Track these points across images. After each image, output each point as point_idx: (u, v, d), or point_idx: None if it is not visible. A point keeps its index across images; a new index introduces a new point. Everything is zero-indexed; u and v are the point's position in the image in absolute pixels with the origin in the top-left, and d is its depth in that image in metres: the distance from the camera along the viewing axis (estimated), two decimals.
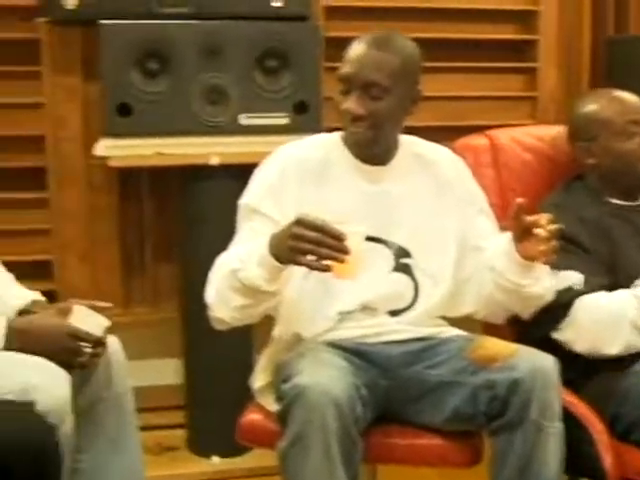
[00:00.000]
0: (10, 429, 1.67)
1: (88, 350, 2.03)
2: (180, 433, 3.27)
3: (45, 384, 1.87)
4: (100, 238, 3.29)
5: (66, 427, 1.86)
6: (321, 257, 1.91)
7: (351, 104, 2.15)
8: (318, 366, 1.99)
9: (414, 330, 2.23)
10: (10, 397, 1.82)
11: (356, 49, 2.17)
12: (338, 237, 1.90)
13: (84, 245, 3.26)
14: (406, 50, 2.19)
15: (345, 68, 2.17)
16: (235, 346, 3.05)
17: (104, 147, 2.90)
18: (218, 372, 3.12)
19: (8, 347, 1.96)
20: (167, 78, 2.92)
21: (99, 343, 2.06)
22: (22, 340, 1.97)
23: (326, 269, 1.92)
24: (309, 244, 1.90)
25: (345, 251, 1.90)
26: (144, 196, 3.31)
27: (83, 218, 3.25)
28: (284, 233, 1.95)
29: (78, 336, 2.02)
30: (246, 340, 3.08)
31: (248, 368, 3.03)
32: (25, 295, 2.19)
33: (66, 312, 2.07)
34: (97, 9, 2.94)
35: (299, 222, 1.92)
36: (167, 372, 3.42)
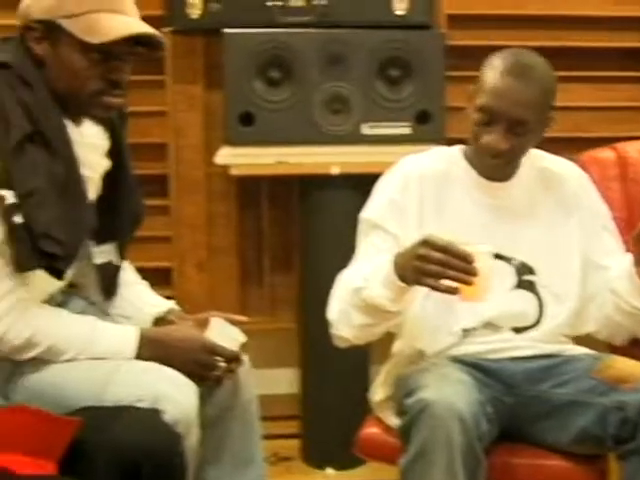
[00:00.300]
0: (139, 435, 1.68)
1: (222, 365, 2.02)
2: (295, 443, 3.26)
3: (174, 395, 1.86)
4: (218, 246, 3.31)
5: (192, 438, 1.86)
6: (448, 279, 1.86)
7: (494, 140, 2.09)
8: (442, 381, 1.95)
9: (539, 347, 2.17)
10: (140, 405, 1.83)
11: (496, 79, 2.09)
12: (466, 258, 1.85)
13: (202, 253, 3.28)
14: (545, 78, 2.13)
15: (487, 99, 2.09)
16: (352, 357, 3.02)
17: (225, 156, 2.92)
18: (334, 383, 3.09)
19: (141, 356, 1.97)
20: (289, 87, 2.92)
21: (234, 358, 2.04)
22: (157, 350, 1.97)
23: (453, 292, 1.87)
24: (436, 265, 1.86)
25: (473, 273, 1.85)
26: (263, 205, 3.32)
27: (202, 226, 3.27)
28: (410, 253, 1.91)
29: (214, 351, 2.01)
30: (363, 352, 3.04)
31: (364, 380, 3.04)
32: (161, 303, 2.20)
33: (204, 324, 2.07)
34: (221, 18, 2.96)
35: (425, 242, 1.88)
36: (283, 382, 3.41)
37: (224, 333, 2.05)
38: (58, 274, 1.90)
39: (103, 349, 1.96)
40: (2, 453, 1.57)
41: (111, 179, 2.10)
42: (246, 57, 2.89)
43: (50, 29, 1.88)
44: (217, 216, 3.29)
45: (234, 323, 2.10)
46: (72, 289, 2.18)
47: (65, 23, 1.87)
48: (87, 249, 2.08)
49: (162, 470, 1.67)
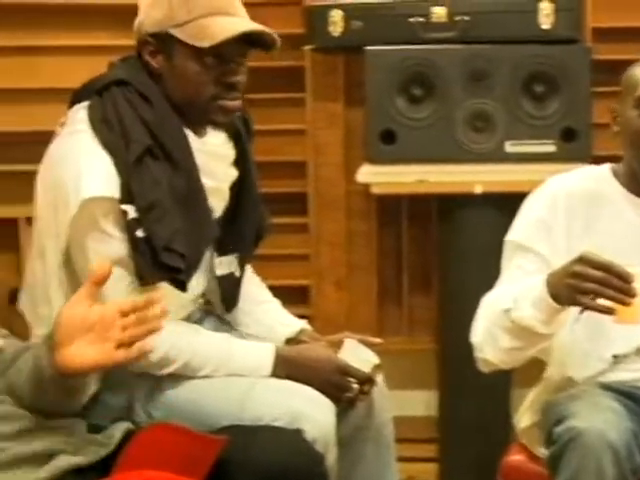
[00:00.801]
0: (282, 455, 1.66)
1: (355, 387, 1.99)
2: (432, 467, 3.19)
3: (312, 413, 1.86)
4: (357, 265, 3.28)
5: (330, 457, 1.84)
6: (605, 298, 1.79)
7: None
8: (593, 409, 1.87)
9: None
10: (278, 423, 1.82)
11: None
12: (625, 278, 1.78)
13: (341, 272, 3.26)
14: None
15: None
16: (492, 380, 2.91)
17: (366, 174, 2.89)
18: (473, 406, 3.02)
19: (275, 374, 1.96)
20: (431, 104, 2.87)
21: (367, 380, 2.01)
22: (289, 369, 1.96)
23: (609, 312, 1.80)
24: (592, 283, 1.79)
25: (632, 294, 1.77)
26: (402, 223, 3.28)
27: (341, 244, 3.25)
28: (564, 271, 1.84)
29: (347, 372, 1.99)
30: (504, 374, 2.95)
31: (505, 403, 2.95)
32: (293, 323, 2.18)
33: (337, 345, 2.04)
34: (362, 35, 2.94)
35: (583, 259, 1.81)
36: (420, 403, 3.36)
37: (357, 355, 2.03)
38: (181, 286, 1.90)
39: (239, 366, 1.96)
40: (149, 470, 1.57)
41: (236, 190, 2.09)
42: (388, 74, 2.86)
43: (163, 41, 1.91)
44: (356, 234, 3.27)
45: (368, 345, 2.07)
46: (208, 306, 2.18)
47: (176, 32, 1.88)
48: (212, 260, 2.08)
49: None
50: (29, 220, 2.71)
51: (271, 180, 3.12)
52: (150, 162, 1.87)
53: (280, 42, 1.96)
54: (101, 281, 1.61)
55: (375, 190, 2.94)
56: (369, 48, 2.89)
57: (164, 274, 1.87)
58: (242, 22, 1.92)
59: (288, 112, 3.16)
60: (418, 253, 3.29)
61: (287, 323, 2.18)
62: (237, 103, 1.95)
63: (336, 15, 2.94)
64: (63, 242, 1.89)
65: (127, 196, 1.84)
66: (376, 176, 2.90)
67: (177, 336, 1.93)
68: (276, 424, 1.83)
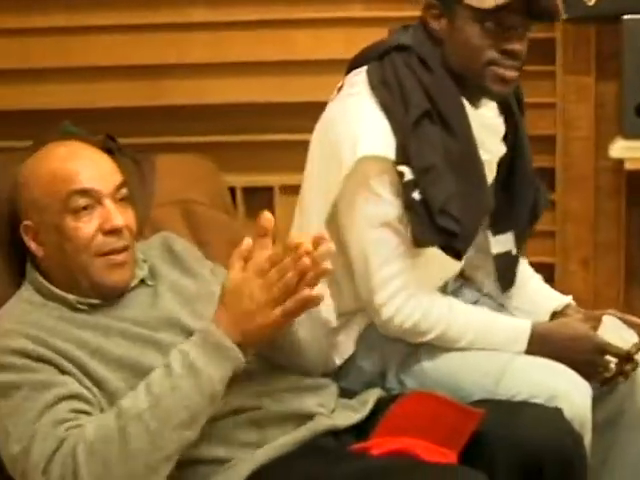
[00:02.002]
0: (544, 433, 1.63)
1: (613, 367, 1.93)
2: None
3: (570, 393, 1.81)
4: (604, 244, 3.17)
5: (586, 440, 1.78)
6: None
7: None
8: None
9: None
10: (537, 401, 1.78)
11: None
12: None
13: (588, 250, 3.16)
14: None
15: None
16: None
17: (620, 149, 2.79)
18: None
19: (530, 351, 1.92)
20: None
21: (628, 360, 1.94)
22: (545, 346, 1.92)
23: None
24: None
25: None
26: None
27: (588, 222, 3.15)
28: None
29: (606, 350, 1.93)
30: None
31: None
32: (559, 297, 2.14)
33: (597, 320, 1.98)
34: (619, 4, 2.82)
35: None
36: None
37: (618, 333, 1.96)
38: (457, 255, 1.89)
39: (496, 340, 1.93)
40: (410, 437, 1.57)
41: (507, 166, 2.06)
42: None
43: (447, 4, 1.91)
44: (604, 212, 3.15)
45: (630, 325, 2.00)
46: (463, 280, 2.17)
47: None
48: (485, 239, 2.06)
49: (565, 471, 1.61)
50: (284, 189, 2.81)
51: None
52: (427, 126, 1.87)
53: (563, 11, 1.92)
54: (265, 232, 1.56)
55: (629, 166, 2.82)
56: (626, 17, 2.77)
57: (439, 238, 1.86)
58: None
59: (538, 85, 3.07)
60: None
61: (554, 297, 2.14)
62: (513, 74, 1.92)
63: None
64: (331, 200, 1.91)
65: (403, 158, 1.84)
66: (630, 151, 2.79)
67: (430, 304, 1.92)
68: (535, 401, 1.79)
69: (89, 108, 2.78)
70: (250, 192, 2.79)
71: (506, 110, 2.06)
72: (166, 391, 1.53)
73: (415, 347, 1.95)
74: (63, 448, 1.53)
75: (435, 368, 1.93)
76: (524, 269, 2.18)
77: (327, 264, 1.53)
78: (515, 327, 1.95)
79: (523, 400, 1.80)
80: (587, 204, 3.13)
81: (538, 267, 2.98)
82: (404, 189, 1.85)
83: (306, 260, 1.50)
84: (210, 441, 1.61)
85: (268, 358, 1.76)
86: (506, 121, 2.06)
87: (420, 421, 1.60)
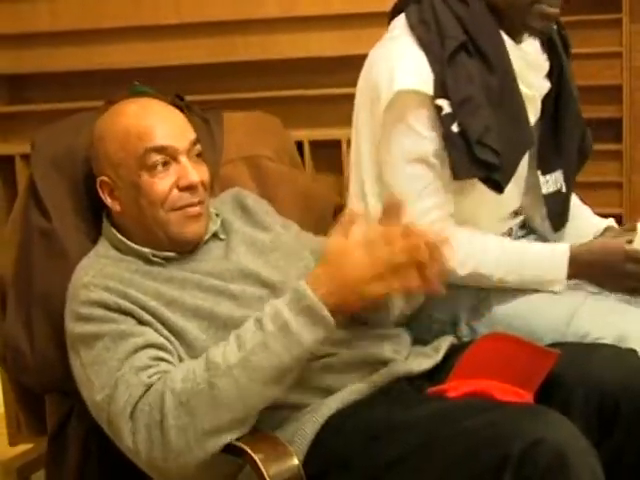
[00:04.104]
0: (621, 373, 1.61)
1: None
2: None
3: (639, 333, 1.80)
4: None
5: None
6: None
7: None
8: None
9: None
10: (607, 341, 1.78)
11: None
12: None
13: None
14: None
15: None
16: None
17: None
18: None
19: (570, 276, 1.92)
20: None
21: None
22: (581, 269, 1.91)
23: None
24: None
25: None
26: None
27: None
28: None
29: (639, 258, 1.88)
30: None
31: None
32: (600, 222, 2.15)
33: (630, 232, 1.95)
34: None
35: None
36: None
37: None
38: (497, 187, 1.89)
39: (533, 272, 1.93)
40: (485, 379, 1.58)
41: (553, 104, 2.04)
42: None
43: None
44: None
45: None
46: (529, 229, 2.16)
47: None
48: (535, 178, 2.05)
49: None
50: (312, 143, 2.82)
51: (586, 105, 3.03)
52: (465, 58, 1.87)
53: None
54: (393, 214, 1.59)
55: None
56: None
57: (478, 170, 1.86)
58: None
59: (604, 34, 3.06)
60: None
61: (594, 223, 2.14)
62: (555, 10, 1.91)
63: None
64: (377, 138, 1.93)
65: (441, 92, 1.85)
66: None
67: (468, 241, 1.93)
68: (603, 341, 1.79)
69: (157, 67, 2.81)
70: (317, 146, 2.81)
71: (550, 48, 2.04)
72: (257, 348, 1.54)
73: (486, 293, 1.96)
74: (149, 394, 1.56)
75: (506, 313, 1.93)
76: (574, 201, 2.18)
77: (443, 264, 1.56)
78: (554, 252, 1.94)
79: (594, 340, 1.81)
80: None
81: (606, 218, 2.98)
82: (442, 122, 1.85)
83: (423, 253, 1.52)
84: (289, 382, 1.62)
85: None
86: (550, 59, 2.04)
87: (495, 363, 1.61)
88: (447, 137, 1.85)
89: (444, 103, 1.85)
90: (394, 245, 1.53)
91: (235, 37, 2.86)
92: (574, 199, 2.21)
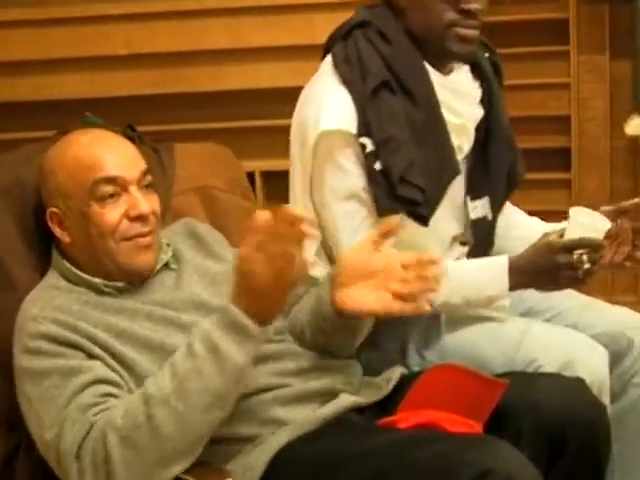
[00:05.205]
0: (566, 402, 1.64)
1: (585, 258, 1.84)
2: None
3: (586, 358, 1.83)
4: None
5: (605, 403, 1.79)
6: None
7: None
8: None
9: None
10: (551, 367, 1.80)
11: None
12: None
13: None
14: None
15: None
16: None
17: (636, 125, 2.80)
18: None
19: (512, 287, 1.92)
20: None
21: (599, 248, 1.87)
22: (519, 276, 1.91)
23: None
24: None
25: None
26: None
27: (604, 201, 3.14)
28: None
29: (571, 247, 1.86)
30: None
31: None
32: (550, 227, 2.11)
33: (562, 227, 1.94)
34: None
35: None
36: None
37: (584, 223, 1.87)
38: (422, 220, 1.91)
39: (476, 291, 1.94)
40: (434, 410, 1.59)
41: (483, 131, 2.07)
42: None
43: None
44: (620, 191, 3.17)
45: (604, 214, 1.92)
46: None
47: None
48: (465, 204, 2.07)
49: (589, 440, 1.62)
50: (263, 174, 2.84)
51: (535, 135, 3.08)
52: (387, 95, 1.90)
53: None
54: (389, 233, 1.65)
55: None
56: None
57: (401, 207, 1.88)
58: None
59: (552, 65, 3.10)
60: None
61: (544, 230, 2.13)
62: (474, 32, 1.93)
63: None
64: (307, 179, 1.96)
65: (364, 130, 1.88)
66: None
67: None
68: (549, 367, 1.82)
69: (108, 97, 2.81)
70: (269, 176, 2.82)
71: (481, 75, 2.07)
72: (190, 373, 1.53)
73: (435, 321, 1.97)
74: (93, 433, 1.55)
75: (454, 340, 1.95)
76: (519, 213, 2.22)
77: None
78: (492, 265, 1.96)
79: (541, 365, 1.83)
80: (603, 183, 3.15)
81: None
82: (366, 160, 1.88)
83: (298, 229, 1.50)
84: (236, 419, 1.62)
85: (294, 339, 1.79)
86: (482, 86, 2.07)
87: (444, 394, 1.62)
88: (370, 175, 1.88)
89: (367, 141, 1.88)
90: (279, 234, 1.49)
91: (185, 68, 2.88)
92: (521, 212, 2.23)
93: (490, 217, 2.09)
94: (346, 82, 1.91)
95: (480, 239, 2.10)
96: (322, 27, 2.77)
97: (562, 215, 3.07)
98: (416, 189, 1.88)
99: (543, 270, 1.89)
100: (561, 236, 1.89)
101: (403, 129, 1.89)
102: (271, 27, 2.85)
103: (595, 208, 1.95)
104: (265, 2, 2.87)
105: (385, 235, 1.66)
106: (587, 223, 1.87)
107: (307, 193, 1.96)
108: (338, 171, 1.90)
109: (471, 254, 2.12)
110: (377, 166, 1.87)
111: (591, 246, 1.85)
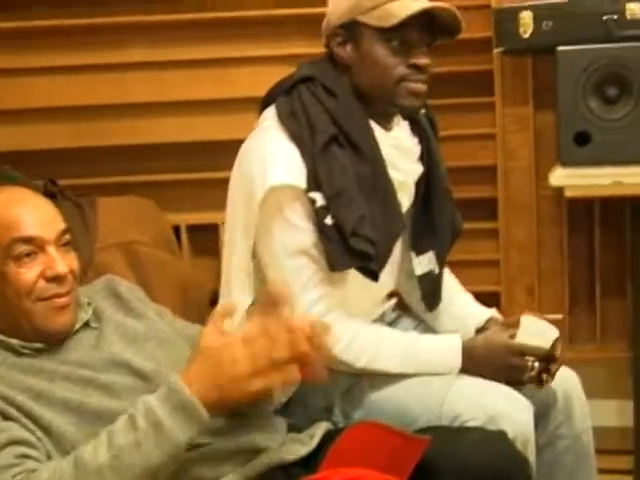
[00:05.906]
0: (489, 458, 1.64)
1: (536, 365, 1.93)
2: None
3: (510, 412, 1.84)
4: (548, 271, 3.21)
5: (531, 457, 1.80)
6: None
7: None
8: None
9: None
10: (476, 422, 1.80)
11: None
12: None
13: (531, 278, 3.20)
14: None
15: None
16: None
17: (560, 177, 2.83)
18: None
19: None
20: (627, 104, 2.78)
21: (549, 357, 1.95)
22: (466, 362, 1.95)
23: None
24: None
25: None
26: (594, 228, 3.18)
27: (531, 250, 3.19)
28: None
29: (523, 352, 1.94)
30: None
31: None
32: (482, 313, 2.18)
33: (514, 325, 2.00)
34: (553, 36, 2.88)
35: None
36: (614, 414, 3.26)
37: (535, 331, 1.95)
38: (372, 275, 1.91)
39: (428, 367, 1.96)
40: (355, 468, 1.58)
41: (423, 187, 2.09)
42: (580, 74, 2.79)
43: (351, 29, 1.96)
44: (547, 240, 3.20)
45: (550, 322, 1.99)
46: (401, 311, 2.19)
47: (363, 18, 1.93)
48: (409, 261, 2.09)
49: None
50: (189, 227, 2.81)
51: (461, 185, 3.10)
52: (336, 150, 1.91)
53: (464, 26, 1.97)
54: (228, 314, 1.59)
55: (569, 193, 2.86)
56: (560, 48, 2.81)
57: (354, 261, 1.88)
58: (425, 3, 1.94)
59: (478, 117, 3.13)
60: (610, 258, 3.19)
61: (476, 314, 2.17)
62: (423, 87, 1.96)
63: (526, 16, 2.90)
64: (252, 233, 1.94)
65: (314, 184, 1.88)
66: (570, 179, 2.83)
67: (361, 332, 1.94)
68: (474, 422, 1.82)
69: (28, 150, 2.77)
70: (195, 229, 2.80)
71: (419, 131, 2.09)
72: (129, 447, 1.50)
73: (357, 378, 1.96)
74: None
75: (379, 397, 1.95)
76: (452, 286, 2.21)
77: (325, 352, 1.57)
78: (447, 345, 1.98)
79: (466, 421, 1.83)
80: (530, 232, 3.18)
81: (484, 296, 3.01)
82: (317, 215, 1.88)
83: (305, 346, 1.52)
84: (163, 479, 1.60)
85: None
86: (421, 142, 2.09)
87: (367, 451, 1.61)
88: (321, 230, 1.87)
89: (317, 196, 1.87)
90: (276, 340, 1.51)
91: (106, 121, 2.85)
92: (455, 285, 2.25)
93: (437, 271, 2.12)
94: (294, 137, 1.91)
95: (429, 294, 2.12)
96: (244, 81, 2.81)
97: (491, 263, 3.14)
98: (368, 243, 1.88)
99: (495, 365, 1.94)
100: (512, 336, 1.95)
101: (352, 183, 1.89)
102: (193, 81, 2.84)
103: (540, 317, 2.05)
104: (187, 56, 2.86)
105: (224, 316, 1.58)
106: (536, 332, 1.95)
107: (248, 244, 1.95)
108: (287, 226, 1.89)
109: (415, 310, 2.14)
110: (328, 220, 1.87)
111: (546, 356, 1.94)
